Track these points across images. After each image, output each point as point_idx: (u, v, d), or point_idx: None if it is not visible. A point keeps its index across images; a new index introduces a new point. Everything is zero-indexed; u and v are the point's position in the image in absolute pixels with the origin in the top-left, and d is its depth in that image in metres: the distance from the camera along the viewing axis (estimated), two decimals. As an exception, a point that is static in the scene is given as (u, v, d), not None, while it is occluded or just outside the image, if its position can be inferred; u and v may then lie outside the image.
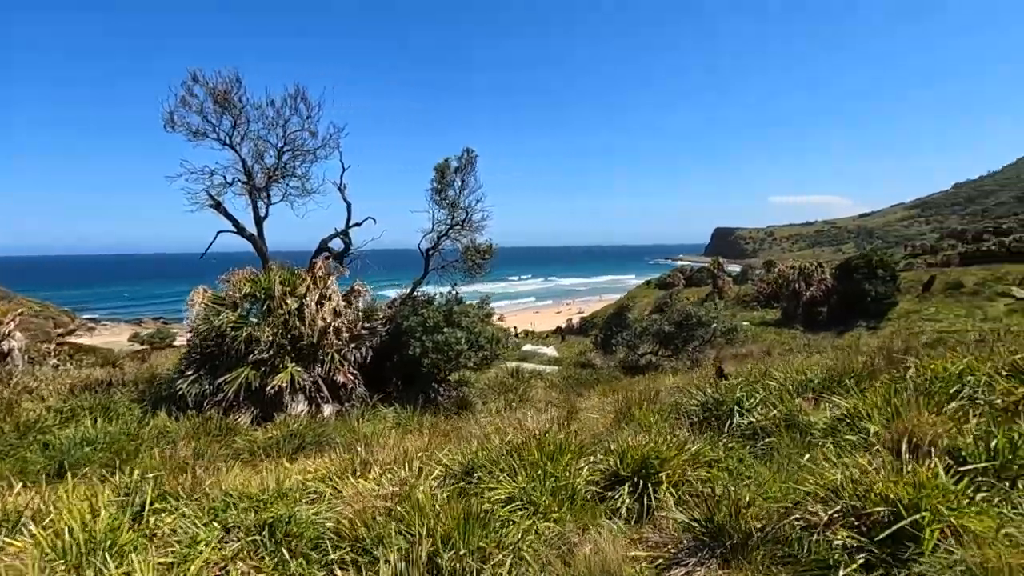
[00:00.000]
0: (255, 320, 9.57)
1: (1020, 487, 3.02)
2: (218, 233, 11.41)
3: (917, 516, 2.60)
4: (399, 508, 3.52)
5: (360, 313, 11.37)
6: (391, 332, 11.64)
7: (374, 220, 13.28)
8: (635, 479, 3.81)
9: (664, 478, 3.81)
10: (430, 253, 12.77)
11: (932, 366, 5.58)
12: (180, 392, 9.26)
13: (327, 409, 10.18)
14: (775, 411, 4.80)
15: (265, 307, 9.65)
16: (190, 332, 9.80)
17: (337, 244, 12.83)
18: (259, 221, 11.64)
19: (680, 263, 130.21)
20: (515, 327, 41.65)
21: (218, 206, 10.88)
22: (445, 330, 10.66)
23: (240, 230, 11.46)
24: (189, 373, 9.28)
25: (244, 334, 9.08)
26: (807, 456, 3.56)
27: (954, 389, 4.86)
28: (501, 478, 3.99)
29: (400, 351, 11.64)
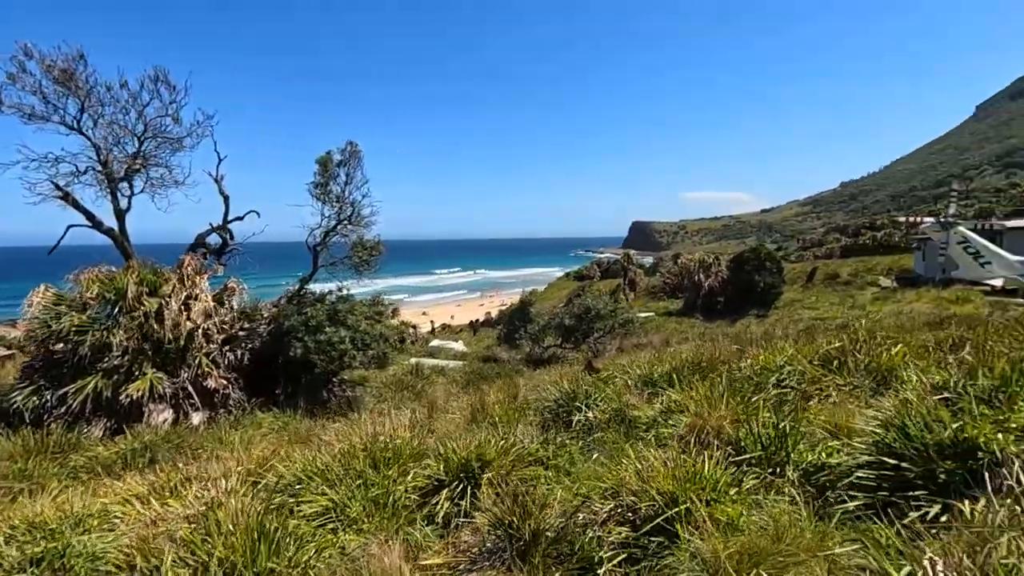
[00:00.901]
0: (106, 323, 8.71)
1: (787, 473, 3.28)
2: (68, 228, 10.29)
3: (676, 509, 2.74)
4: (191, 532, 3.28)
5: (237, 313, 10.69)
6: (273, 333, 11.06)
7: (258, 214, 12.56)
8: (455, 483, 3.79)
9: (486, 481, 3.82)
10: (318, 249, 12.23)
11: (763, 356, 6.04)
12: (16, 406, 8.28)
13: (196, 417, 9.51)
14: (613, 406, 4.98)
15: (118, 309, 8.80)
16: (27, 337, 8.77)
17: (215, 239, 12.00)
18: (119, 214, 10.62)
19: (601, 255, 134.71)
20: (432, 321, 41.22)
21: (66, 197, 9.79)
22: (327, 330, 10.26)
23: (96, 224, 10.40)
24: (24, 384, 8.31)
25: (90, 339, 8.24)
26: (595, 455, 3.69)
27: (773, 379, 5.27)
28: (320, 490, 3.84)
29: (284, 352, 11.10)
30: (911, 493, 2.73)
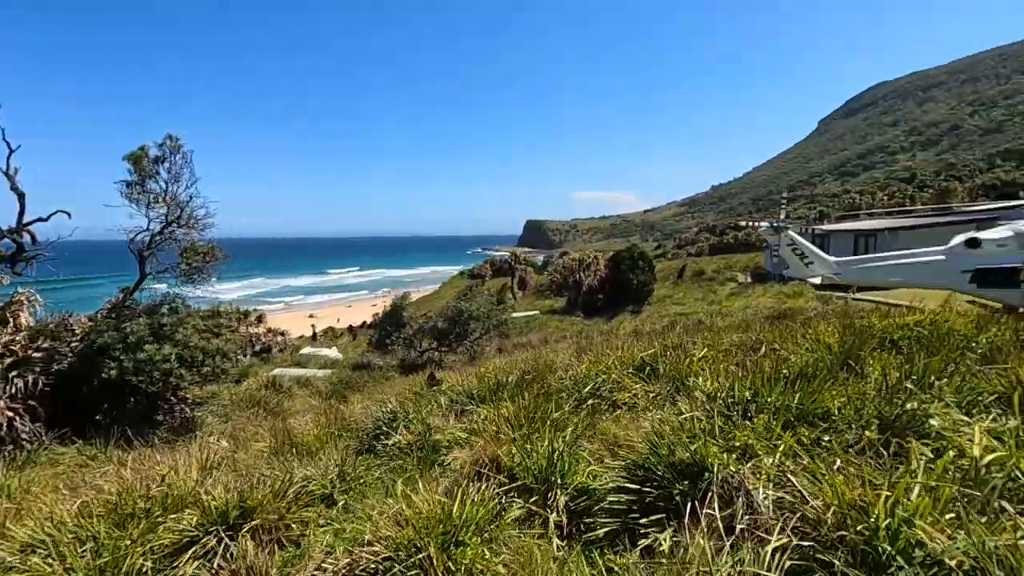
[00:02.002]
0: None
1: (556, 501, 3.21)
2: None
3: (414, 558, 2.53)
4: None
5: (31, 331, 9.12)
6: (83, 352, 9.59)
7: (68, 214, 10.84)
8: (207, 538, 3.32)
9: (248, 531, 3.39)
10: (144, 255, 10.79)
11: (585, 365, 6.14)
12: None
13: (-30, 458, 7.94)
14: (421, 427, 4.74)
15: None
16: None
17: (7, 245, 10.19)
18: None
19: (496, 254, 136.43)
20: (313, 325, 38.97)
21: None
22: (148, 347, 9.06)
23: None
24: None
25: None
26: (362, 503, 3.43)
27: (589, 388, 5.33)
28: (31, 563, 3.18)
29: (98, 374, 9.67)
30: (652, 518, 2.75)
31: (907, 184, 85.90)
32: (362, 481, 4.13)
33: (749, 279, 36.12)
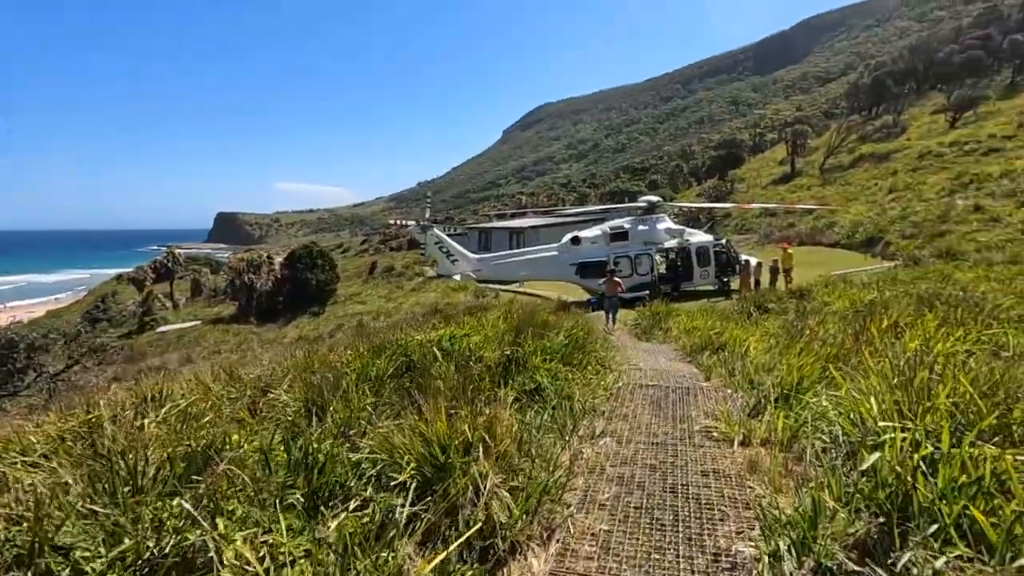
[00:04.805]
0: None
1: None
2: None
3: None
4: None
5: None
6: None
7: None
8: None
9: None
10: None
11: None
12: None
13: None
14: None
15: None
16: None
17: None
18: None
19: (179, 251, 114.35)
20: None
21: None
22: None
23: None
24: None
25: None
26: None
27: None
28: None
29: None
30: None
31: (564, 188, 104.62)
32: None
33: (435, 273, 37.77)
